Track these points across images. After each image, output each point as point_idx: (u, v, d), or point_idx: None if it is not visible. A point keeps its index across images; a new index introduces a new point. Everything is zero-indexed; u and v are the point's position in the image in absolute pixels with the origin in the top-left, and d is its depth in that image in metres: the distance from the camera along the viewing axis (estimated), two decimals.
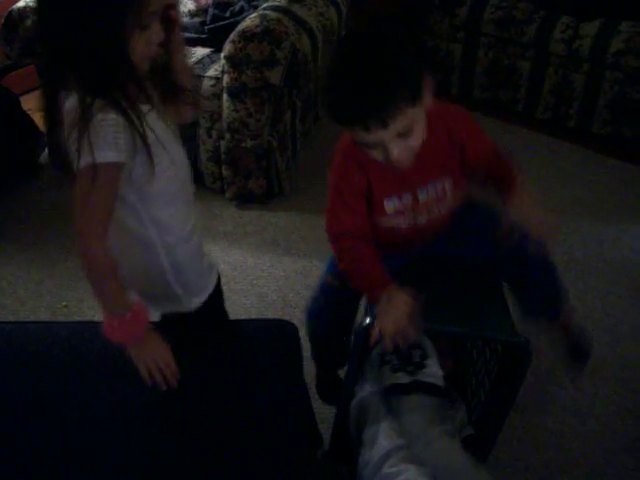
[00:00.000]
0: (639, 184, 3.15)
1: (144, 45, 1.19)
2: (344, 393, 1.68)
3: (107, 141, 1.15)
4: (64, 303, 2.40)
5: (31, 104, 3.25)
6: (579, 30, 3.32)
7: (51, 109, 1.21)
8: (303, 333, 1.75)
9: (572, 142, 3.42)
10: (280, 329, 1.58)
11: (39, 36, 1.20)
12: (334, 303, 1.76)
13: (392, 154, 1.37)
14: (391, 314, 1.47)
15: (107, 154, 1.16)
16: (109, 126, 1.15)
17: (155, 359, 1.31)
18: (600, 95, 3.34)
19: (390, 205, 1.55)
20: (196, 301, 1.48)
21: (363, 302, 1.72)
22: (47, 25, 1.17)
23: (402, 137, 1.35)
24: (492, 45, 3.54)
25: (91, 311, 2.36)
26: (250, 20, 2.60)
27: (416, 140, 1.39)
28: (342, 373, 2.07)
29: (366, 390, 1.69)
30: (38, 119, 3.06)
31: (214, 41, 2.85)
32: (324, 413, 1.93)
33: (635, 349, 2.30)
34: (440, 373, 1.65)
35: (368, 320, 1.54)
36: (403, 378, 1.61)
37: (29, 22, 2.72)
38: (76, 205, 1.20)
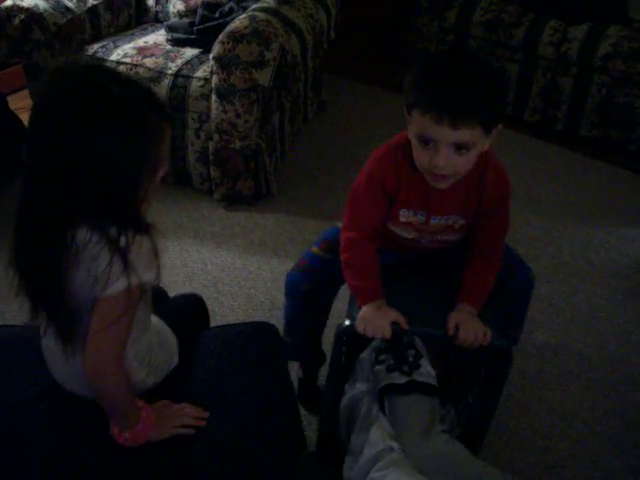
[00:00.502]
0: (626, 187, 3.17)
1: (157, 182, 1.24)
2: (328, 393, 1.68)
3: (149, 263, 1.19)
4: None
5: (19, 103, 3.23)
6: (567, 34, 3.34)
7: (61, 249, 1.16)
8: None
9: (560, 145, 3.44)
10: (262, 331, 1.58)
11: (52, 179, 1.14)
12: (315, 270, 1.79)
13: (440, 158, 1.42)
14: (376, 322, 1.54)
15: (149, 275, 1.19)
16: (145, 247, 1.18)
17: (175, 425, 1.33)
18: (588, 98, 3.36)
19: (404, 216, 1.62)
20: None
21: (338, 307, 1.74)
22: (71, 175, 1.13)
23: (457, 150, 1.41)
24: (481, 48, 3.55)
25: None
26: (239, 21, 2.59)
27: (463, 164, 1.45)
28: (322, 379, 2.09)
29: (357, 389, 1.69)
30: (26, 119, 3.04)
31: (203, 42, 2.84)
32: (309, 416, 1.93)
33: (622, 351, 2.31)
34: (433, 373, 1.66)
35: (347, 322, 1.57)
36: (399, 378, 1.61)
37: (17, 21, 2.70)
38: (100, 329, 1.19)
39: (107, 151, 1.10)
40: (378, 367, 1.64)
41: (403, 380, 1.61)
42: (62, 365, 1.33)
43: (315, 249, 1.81)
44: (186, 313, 1.66)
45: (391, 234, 1.67)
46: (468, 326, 1.55)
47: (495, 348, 1.58)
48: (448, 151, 1.41)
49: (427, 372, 1.64)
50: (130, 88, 1.14)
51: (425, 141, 1.43)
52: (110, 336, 1.20)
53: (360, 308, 1.58)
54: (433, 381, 1.64)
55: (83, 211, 1.15)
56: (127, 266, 1.15)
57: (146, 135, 1.14)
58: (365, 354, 1.72)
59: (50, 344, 1.32)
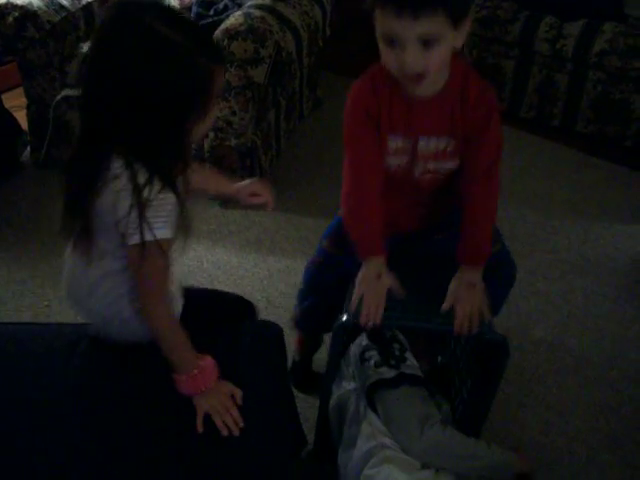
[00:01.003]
0: (622, 183, 3.17)
1: (206, 127, 1.31)
2: (324, 391, 1.68)
3: (165, 220, 1.23)
4: (46, 303, 2.38)
5: (14, 101, 3.23)
6: (563, 30, 3.33)
7: (93, 174, 1.23)
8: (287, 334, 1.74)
9: (556, 141, 3.44)
10: (265, 330, 1.57)
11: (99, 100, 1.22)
12: (330, 266, 1.79)
13: (407, 55, 1.37)
14: (377, 287, 1.55)
15: (164, 233, 1.24)
16: (168, 204, 1.23)
17: (217, 408, 1.35)
18: (583, 95, 3.36)
19: (392, 143, 1.57)
20: None
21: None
22: (115, 103, 1.19)
23: (424, 46, 1.37)
24: (477, 44, 3.54)
25: (72, 313, 2.33)
26: (234, 18, 2.58)
27: (433, 60, 1.39)
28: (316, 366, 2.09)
29: (343, 388, 1.69)
30: (21, 117, 3.03)
31: None
32: (307, 412, 1.93)
33: (619, 348, 2.31)
34: (417, 364, 1.65)
35: (345, 317, 1.56)
36: (388, 372, 1.61)
37: (10, 19, 2.69)
38: (135, 274, 1.30)
39: (153, 88, 1.16)
40: (365, 364, 1.64)
41: (392, 374, 1.61)
42: (80, 286, 1.42)
43: (325, 243, 1.80)
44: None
45: (386, 174, 1.62)
46: (466, 307, 1.54)
47: (490, 341, 1.57)
48: (415, 47, 1.37)
49: (413, 364, 1.64)
50: (181, 30, 1.17)
51: (390, 41, 1.39)
52: (145, 281, 1.30)
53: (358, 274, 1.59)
54: (419, 372, 1.64)
55: (125, 143, 1.21)
56: (141, 223, 1.20)
57: (192, 77, 1.18)
58: (349, 353, 1.71)
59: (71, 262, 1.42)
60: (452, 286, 1.59)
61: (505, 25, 3.44)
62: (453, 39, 1.40)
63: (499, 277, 1.78)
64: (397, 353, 1.65)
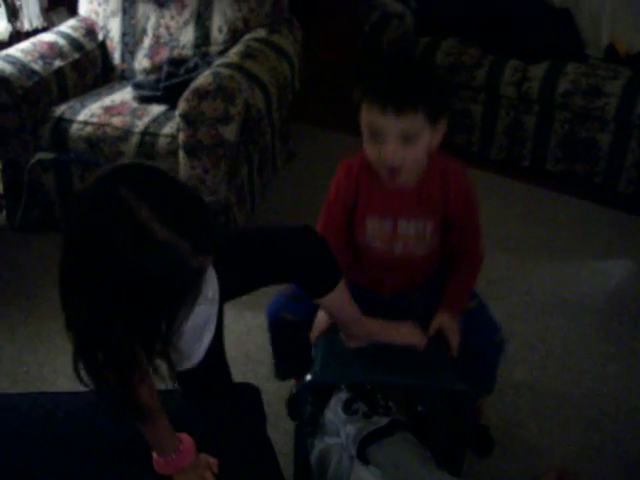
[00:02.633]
0: (594, 219, 3.22)
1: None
2: (297, 451, 1.68)
3: None
4: (25, 369, 2.37)
5: None
6: (527, 73, 3.41)
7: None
8: (267, 391, 1.75)
9: (527, 181, 3.49)
10: (241, 393, 1.58)
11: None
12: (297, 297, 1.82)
13: (388, 149, 1.52)
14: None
15: None
16: None
17: None
18: (551, 134, 3.42)
19: (370, 224, 1.70)
20: None
21: None
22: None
23: (404, 141, 1.51)
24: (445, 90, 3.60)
25: (52, 376, 2.32)
26: (203, 78, 2.63)
27: (411, 156, 1.54)
28: None
29: (325, 442, 1.69)
30: None
31: (169, 98, 2.87)
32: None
33: (599, 386, 2.33)
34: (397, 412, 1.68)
35: (309, 377, 1.59)
36: (381, 421, 1.61)
37: None
38: None
39: (141, 285, 1.05)
40: (352, 417, 1.65)
41: (385, 421, 1.61)
42: None
43: (284, 314, 1.84)
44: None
45: (366, 253, 1.74)
46: (454, 327, 1.69)
47: (454, 393, 1.63)
48: (396, 142, 1.51)
49: (397, 411, 1.66)
50: (176, 227, 1.03)
51: (374, 133, 1.53)
52: None
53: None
54: (404, 420, 1.66)
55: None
56: None
57: (183, 277, 1.07)
58: (330, 411, 1.72)
59: None
60: (435, 319, 1.72)
61: (471, 70, 3.51)
62: (430, 137, 1.55)
63: (482, 337, 1.82)
64: (382, 402, 1.66)
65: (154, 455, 1.38)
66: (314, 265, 1.46)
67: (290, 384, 2.14)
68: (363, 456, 1.60)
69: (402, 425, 1.64)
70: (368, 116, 1.53)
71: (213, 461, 1.41)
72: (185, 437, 1.39)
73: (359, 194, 1.68)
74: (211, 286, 1.41)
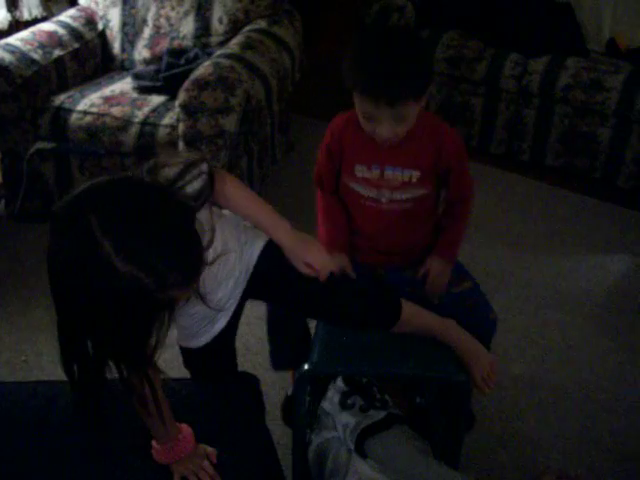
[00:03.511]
0: (593, 214, 3.22)
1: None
2: (295, 444, 1.68)
3: None
4: (23, 358, 2.37)
5: None
6: (528, 66, 3.40)
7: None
8: (266, 382, 1.75)
9: (526, 175, 3.49)
10: (241, 383, 1.58)
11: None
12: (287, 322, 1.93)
13: (381, 130, 1.61)
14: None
15: None
16: None
17: (193, 470, 1.38)
18: (551, 128, 3.42)
19: (359, 171, 1.77)
20: None
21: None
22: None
23: (395, 121, 1.60)
24: (445, 83, 3.60)
25: (51, 365, 2.32)
26: (204, 68, 2.62)
27: (403, 129, 1.63)
28: None
29: (323, 437, 1.69)
30: None
31: (169, 89, 2.87)
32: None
33: (596, 379, 2.33)
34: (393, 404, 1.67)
35: (307, 366, 1.59)
36: (377, 414, 1.61)
37: None
38: None
39: (105, 324, 1.08)
40: (349, 411, 1.64)
41: (382, 415, 1.61)
42: None
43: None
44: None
45: (351, 194, 1.82)
46: (442, 272, 1.82)
47: (454, 384, 1.63)
48: (389, 122, 1.60)
49: (393, 404, 1.66)
50: (139, 263, 1.03)
51: (367, 117, 1.62)
52: None
53: None
54: (400, 413, 1.66)
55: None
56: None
57: (147, 309, 1.09)
58: (326, 403, 1.72)
59: None
60: (426, 262, 1.84)
61: (471, 64, 3.50)
62: (417, 110, 1.63)
63: (478, 314, 1.86)
64: (379, 396, 1.66)
65: (153, 443, 1.39)
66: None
67: (288, 382, 2.14)
68: (361, 450, 1.60)
69: (399, 418, 1.64)
70: (361, 104, 1.61)
71: (211, 451, 1.41)
72: (184, 427, 1.40)
73: (345, 145, 1.78)
74: (233, 279, 1.50)
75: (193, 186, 1.28)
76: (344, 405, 1.67)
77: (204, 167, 1.32)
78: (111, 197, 1.08)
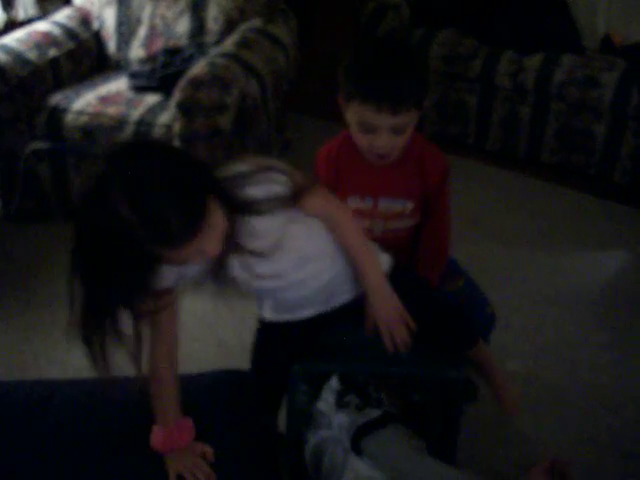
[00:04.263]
0: (588, 211, 3.22)
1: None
2: (289, 443, 1.69)
3: None
4: (20, 358, 2.36)
5: None
6: (522, 64, 3.40)
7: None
8: None
9: (522, 172, 3.49)
10: (235, 380, 1.58)
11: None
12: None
13: (381, 141, 1.57)
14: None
15: None
16: None
17: (188, 467, 1.37)
18: (547, 125, 3.42)
19: (353, 202, 1.73)
20: None
21: None
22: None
23: (395, 132, 1.57)
24: (440, 81, 3.60)
25: (48, 365, 2.32)
26: (199, 67, 2.63)
27: (401, 143, 1.60)
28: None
29: (320, 436, 1.69)
30: None
31: (165, 88, 2.87)
32: None
33: (593, 377, 2.34)
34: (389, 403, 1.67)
35: (301, 364, 1.61)
36: (373, 413, 1.62)
37: None
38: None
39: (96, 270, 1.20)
40: (345, 410, 1.65)
41: (378, 413, 1.61)
42: None
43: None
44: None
45: None
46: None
47: (445, 379, 1.66)
48: (387, 134, 1.57)
49: (390, 402, 1.66)
50: (143, 208, 1.13)
51: (365, 127, 1.58)
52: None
53: None
54: (396, 411, 1.66)
55: None
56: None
57: (134, 256, 1.17)
58: (321, 403, 1.72)
59: None
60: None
61: (466, 61, 3.50)
62: (415, 120, 1.61)
63: (475, 311, 1.87)
64: (374, 394, 1.67)
65: (154, 428, 1.40)
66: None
67: None
68: (357, 448, 1.61)
69: (394, 417, 1.64)
70: (360, 112, 1.57)
71: (209, 450, 1.40)
72: (186, 418, 1.42)
73: (340, 176, 1.73)
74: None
75: (263, 189, 1.37)
76: (340, 404, 1.67)
77: (282, 178, 1.40)
78: (136, 151, 1.21)
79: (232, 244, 1.33)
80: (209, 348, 2.40)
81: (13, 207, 2.97)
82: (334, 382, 1.69)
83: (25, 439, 1.41)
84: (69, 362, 2.33)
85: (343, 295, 1.64)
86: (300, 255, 1.51)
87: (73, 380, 1.68)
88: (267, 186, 1.38)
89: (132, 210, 1.12)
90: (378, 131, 1.57)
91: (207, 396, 1.49)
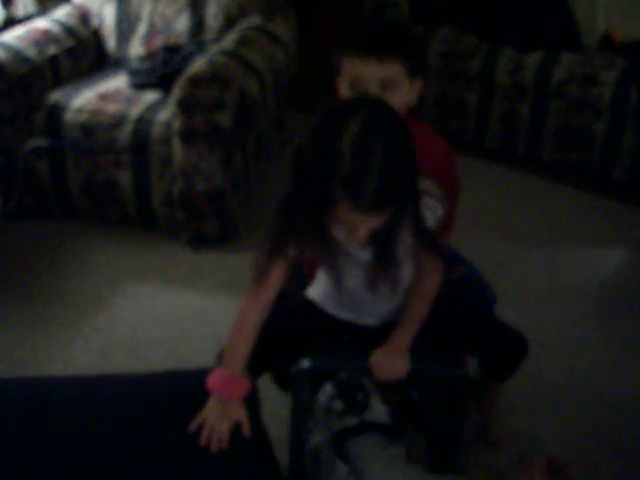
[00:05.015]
0: (588, 208, 3.23)
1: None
2: (291, 441, 1.69)
3: None
4: (20, 354, 2.36)
5: None
6: (522, 61, 3.40)
7: None
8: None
9: (521, 170, 3.49)
10: None
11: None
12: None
13: (368, 91, 1.59)
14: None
15: None
16: None
17: (213, 421, 1.41)
18: (546, 123, 3.42)
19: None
20: None
21: None
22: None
23: (384, 88, 1.59)
24: (439, 78, 3.60)
25: (47, 361, 2.33)
26: (198, 65, 2.63)
27: (391, 101, 1.52)
28: None
29: (317, 438, 1.69)
30: None
31: (164, 85, 2.87)
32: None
33: (592, 374, 2.34)
34: (383, 410, 1.66)
35: (306, 363, 1.60)
36: (350, 421, 1.62)
37: None
38: None
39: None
40: (330, 414, 1.65)
41: (354, 422, 1.62)
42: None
43: None
44: None
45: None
46: (384, 364, 1.62)
47: (451, 378, 1.65)
48: (376, 89, 1.59)
49: (378, 410, 1.64)
50: (359, 154, 1.25)
51: (354, 84, 1.61)
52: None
53: None
54: (384, 418, 1.65)
55: None
56: None
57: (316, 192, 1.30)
58: (318, 403, 1.72)
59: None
60: (373, 354, 1.65)
61: (466, 59, 3.50)
62: (407, 92, 1.63)
63: (478, 295, 1.91)
64: (361, 401, 1.66)
65: (215, 369, 1.48)
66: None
67: None
68: (337, 454, 1.61)
69: (374, 426, 1.63)
70: (350, 66, 1.62)
71: (246, 424, 1.44)
72: (247, 379, 1.50)
73: None
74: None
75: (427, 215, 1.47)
76: (328, 410, 1.68)
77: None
78: (389, 113, 1.36)
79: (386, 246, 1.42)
80: (208, 345, 2.39)
81: (12, 204, 2.97)
82: (328, 387, 1.69)
83: (24, 436, 1.41)
84: (68, 358, 2.33)
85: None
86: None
87: (73, 377, 1.69)
88: (428, 213, 1.47)
89: (350, 148, 1.24)
90: (366, 86, 1.59)
91: (207, 392, 1.49)
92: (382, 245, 1.42)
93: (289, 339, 1.72)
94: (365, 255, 1.48)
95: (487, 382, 1.98)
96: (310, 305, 1.75)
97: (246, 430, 1.43)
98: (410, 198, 1.37)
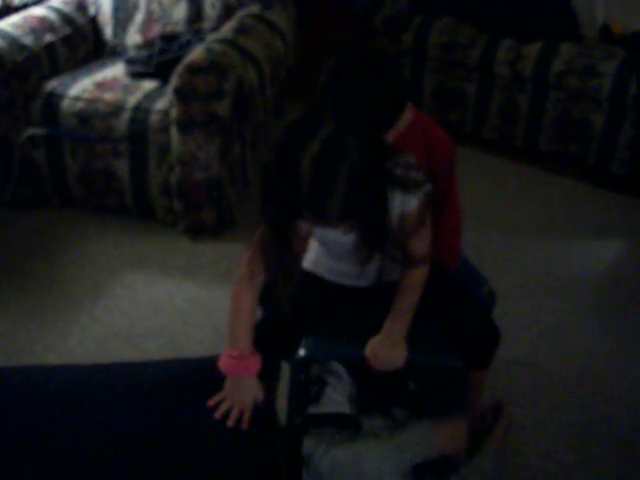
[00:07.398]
0: (586, 200, 3.23)
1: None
2: (288, 428, 1.68)
3: None
4: (17, 345, 2.36)
5: None
6: (521, 52, 3.40)
7: None
8: None
9: (519, 161, 3.49)
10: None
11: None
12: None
13: None
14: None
15: None
16: None
17: (233, 397, 1.46)
18: (545, 114, 3.42)
19: None
20: None
21: None
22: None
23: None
24: (438, 69, 3.59)
25: (44, 351, 2.32)
26: (196, 53, 2.61)
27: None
28: None
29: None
30: None
31: (162, 74, 2.85)
32: None
33: (589, 365, 2.34)
34: (339, 399, 1.63)
35: (303, 352, 1.60)
36: (298, 420, 1.62)
37: None
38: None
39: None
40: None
41: (299, 421, 1.61)
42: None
43: None
44: None
45: None
46: (381, 355, 1.61)
47: (447, 368, 1.65)
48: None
49: (330, 400, 1.62)
50: (318, 172, 1.23)
51: None
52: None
53: None
54: (338, 407, 1.63)
55: None
56: None
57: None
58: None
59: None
60: (371, 342, 1.63)
61: (465, 50, 3.50)
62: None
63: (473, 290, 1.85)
64: (313, 394, 1.64)
65: (225, 350, 1.51)
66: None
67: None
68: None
69: (318, 419, 1.62)
70: None
71: (260, 395, 1.50)
72: (256, 354, 1.52)
73: None
74: None
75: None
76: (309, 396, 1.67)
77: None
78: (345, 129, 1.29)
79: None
80: (205, 334, 2.39)
81: (9, 193, 2.96)
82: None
83: (21, 425, 1.41)
84: (65, 348, 2.33)
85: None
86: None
87: (69, 366, 1.68)
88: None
89: (310, 169, 1.22)
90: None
91: (204, 381, 1.49)
92: (365, 229, 1.39)
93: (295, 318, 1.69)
94: (350, 237, 1.46)
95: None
96: (308, 275, 1.75)
97: (260, 401, 1.49)
98: (381, 203, 1.35)
